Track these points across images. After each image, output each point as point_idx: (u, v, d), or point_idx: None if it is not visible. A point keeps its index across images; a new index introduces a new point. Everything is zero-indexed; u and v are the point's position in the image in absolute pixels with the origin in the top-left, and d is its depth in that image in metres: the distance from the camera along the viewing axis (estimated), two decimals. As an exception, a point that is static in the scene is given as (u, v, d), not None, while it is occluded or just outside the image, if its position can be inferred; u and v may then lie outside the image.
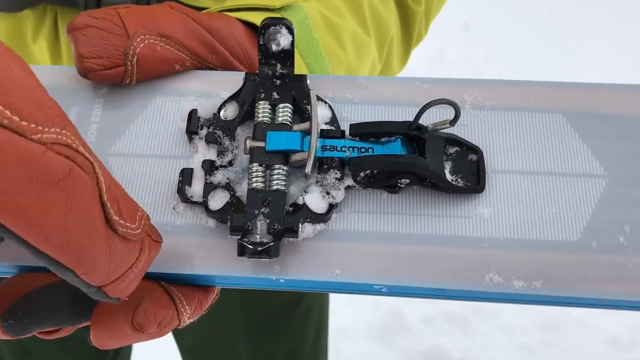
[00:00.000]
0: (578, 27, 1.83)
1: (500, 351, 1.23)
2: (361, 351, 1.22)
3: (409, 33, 0.49)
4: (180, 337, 0.71)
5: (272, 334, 0.68)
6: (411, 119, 0.31)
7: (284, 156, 0.28)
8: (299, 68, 0.37)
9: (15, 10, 0.47)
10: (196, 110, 0.30)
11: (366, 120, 0.31)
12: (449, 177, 0.29)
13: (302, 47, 0.37)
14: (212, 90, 0.32)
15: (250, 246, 0.25)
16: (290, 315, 0.67)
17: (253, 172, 0.28)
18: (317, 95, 0.30)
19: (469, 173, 0.30)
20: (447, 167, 0.29)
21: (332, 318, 0.77)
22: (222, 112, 0.30)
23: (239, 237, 0.26)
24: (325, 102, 0.30)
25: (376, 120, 0.31)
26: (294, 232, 0.27)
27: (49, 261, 0.20)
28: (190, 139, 0.30)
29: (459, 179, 0.29)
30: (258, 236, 0.26)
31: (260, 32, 0.29)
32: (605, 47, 1.77)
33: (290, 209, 0.28)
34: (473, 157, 0.30)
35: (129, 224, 0.22)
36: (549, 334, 1.25)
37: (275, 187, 0.28)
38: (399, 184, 0.28)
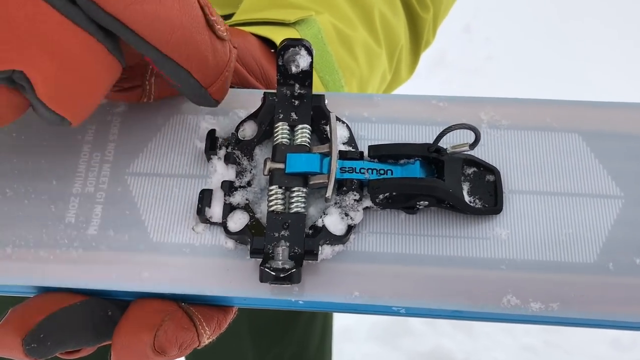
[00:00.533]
0: (580, 28, 1.83)
1: (502, 352, 1.23)
2: (363, 352, 1.23)
3: (418, 41, 0.49)
4: None
5: (278, 336, 0.68)
6: (428, 137, 0.31)
7: (304, 178, 0.28)
8: (314, 82, 0.37)
9: None
10: (215, 130, 0.30)
11: (383, 139, 0.31)
12: (466, 198, 0.29)
13: (316, 61, 0.37)
14: (230, 108, 0.32)
15: (272, 272, 0.25)
16: (296, 317, 0.68)
17: (272, 194, 0.28)
18: (336, 116, 0.30)
19: (487, 194, 0.30)
20: (465, 188, 0.29)
21: (334, 319, 0.77)
22: (240, 132, 0.30)
23: (260, 260, 0.26)
24: (343, 122, 0.30)
25: (392, 139, 0.31)
26: (313, 255, 0.27)
27: (169, 63, 0.25)
28: (209, 159, 0.30)
29: (477, 200, 0.29)
30: (280, 262, 0.26)
31: (279, 53, 0.29)
32: (607, 48, 1.77)
33: (310, 231, 0.28)
34: (490, 177, 0.30)
35: (219, 26, 0.26)
36: (551, 335, 1.25)
37: (295, 210, 0.28)
38: (418, 206, 0.29)
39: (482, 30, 1.85)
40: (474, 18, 1.83)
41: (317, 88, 0.38)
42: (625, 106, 0.32)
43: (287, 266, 0.26)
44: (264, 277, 0.26)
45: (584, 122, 0.32)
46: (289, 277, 0.25)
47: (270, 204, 0.28)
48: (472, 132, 0.28)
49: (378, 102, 0.32)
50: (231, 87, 0.33)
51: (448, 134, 0.30)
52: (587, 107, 0.32)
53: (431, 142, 0.29)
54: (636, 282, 0.28)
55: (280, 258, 0.26)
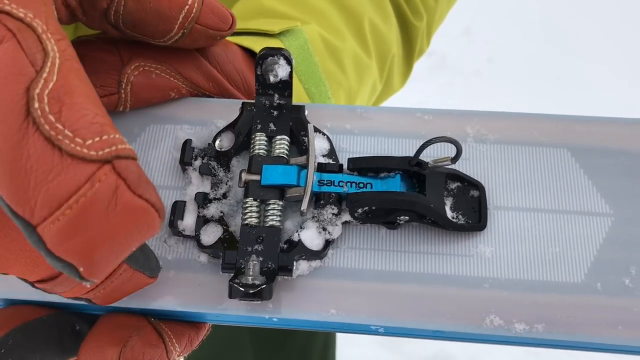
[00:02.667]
0: (579, 30, 1.82)
1: (506, 356, 1.22)
2: (367, 357, 1.22)
3: (411, 49, 0.48)
4: None
5: (280, 343, 0.67)
6: (412, 151, 0.30)
7: (280, 190, 0.27)
8: (298, 93, 0.37)
9: None
10: (190, 140, 0.29)
11: (365, 152, 0.30)
12: (449, 213, 0.28)
13: (302, 72, 0.37)
14: (208, 118, 0.31)
15: (241, 288, 0.24)
16: None
17: (247, 207, 0.27)
18: (314, 127, 0.29)
19: (471, 210, 0.29)
20: (448, 203, 0.28)
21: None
22: (217, 142, 0.29)
23: (231, 275, 0.25)
24: (324, 134, 0.30)
25: (375, 152, 0.30)
26: (288, 270, 0.26)
27: None
28: (184, 170, 0.29)
29: (460, 216, 0.28)
30: (250, 277, 0.25)
31: (257, 63, 0.29)
32: (607, 50, 1.76)
33: (285, 246, 0.27)
34: (475, 193, 0.29)
35: (70, 134, 0.17)
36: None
37: (270, 223, 0.27)
38: (398, 221, 0.28)
39: (482, 32, 1.84)
40: (474, 20, 1.83)
41: (302, 99, 0.37)
42: (615, 121, 0.31)
43: (257, 282, 0.25)
44: (233, 293, 0.25)
45: (572, 137, 0.31)
46: (259, 294, 0.24)
47: (245, 217, 0.27)
48: (454, 146, 0.27)
49: (361, 114, 0.31)
50: (210, 97, 0.32)
51: (431, 148, 0.29)
52: (576, 122, 0.31)
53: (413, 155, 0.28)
54: (625, 304, 0.27)
55: (251, 273, 0.25)
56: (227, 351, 0.67)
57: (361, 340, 1.23)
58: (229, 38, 0.34)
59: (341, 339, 1.08)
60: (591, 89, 1.63)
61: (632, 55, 1.75)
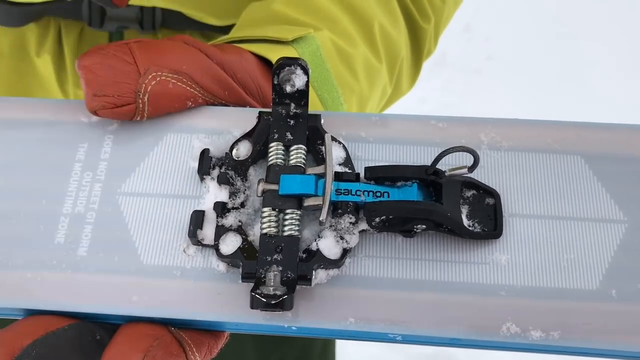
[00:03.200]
0: (579, 28, 1.82)
1: (508, 354, 1.22)
2: (368, 354, 1.22)
3: (419, 52, 0.48)
4: None
5: (281, 339, 0.67)
6: (427, 158, 0.30)
7: (298, 200, 0.28)
8: (311, 100, 0.37)
9: (18, 25, 0.46)
10: (208, 149, 0.30)
11: (380, 160, 0.30)
12: (465, 221, 0.28)
13: (315, 79, 0.37)
14: (225, 127, 0.31)
15: (263, 299, 0.25)
16: None
17: (265, 216, 0.27)
18: (331, 136, 0.29)
19: (486, 217, 0.29)
20: (464, 211, 0.29)
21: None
22: (234, 151, 0.30)
23: (252, 285, 0.26)
24: (340, 142, 0.30)
25: (390, 160, 0.30)
26: (307, 280, 0.26)
27: None
28: (202, 179, 0.29)
29: (476, 224, 0.29)
30: (272, 288, 0.25)
31: (274, 72, 0.29)
32: (608, 47, 1.76)
33: (304, 255, 0.27)
34: (490, 200, 0.29)
35: None
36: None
37: (288, 233, 0.27)
38: (415, 229, 0.28)
39: (482, 30, 1.84)
40: (474, 18, 1.83)
41: (315, 106, 0.37)
42: (628, 128, 0.31)
43: (278, 292, 0.25)
44: (254, 304, 0.25)
45: (586, 144, 0.31)
46: (281, 304, 0.24)
47: (263, 226, 0.27)
48: (471, 155, 0.27)
49: (376, 122, 0.31)
50: (226, 105, 0.32)
51: (448, 156, 0.29)
52: (589, 128, 0.31)
53: (430, 163, 0.28)
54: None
55: (272, 284, 0.25)
56: (227, 346, 0.67)
57: None
58: (242, 45, 0.35)
59: None
60: (592, 86, 1.63)
61: (634, 52, 1.75)
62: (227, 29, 0.48)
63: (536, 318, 0.27)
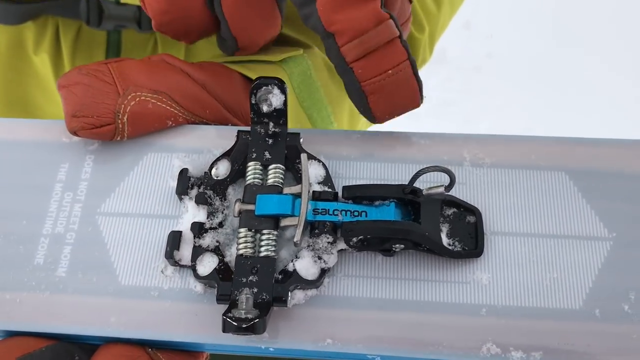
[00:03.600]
0: (580, 25, 1.81)
1: None
2: None
3: None
4: None
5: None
6: (409, 176, 0.30)
7: (275, 220, 0.28)
8: (300, 119, 0.37)
9: (16, 23, 0.47)
10: (187, 169, 0.29)
11: (361, 178, 0.30)
12: (445, 240, 0.28)
13: (304, 99, 0.37)
14: (205, 146, 0.31)
15: (234, 322, 0.24)
16: None
17: (242, 237, 0.27)
18: (310, 154, 0.29)
19: (467, 236, 0.28)
20: (444, 229, 0.28)
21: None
22: (213, 171, 0.30)
23: (226, 308, 0.26)
24: (319, 161, 0.30)
25: (372, 178, 0.30)
26: (282, 301, 0.26)
27: None
28: (181, 199, 0.29)
29: (457, 242, 0.28)
30: (243, 312, 0.25)
31: (251, 92, 0.29)
32: (609, 44, 1.75)
33: (280, 276, 0.27)
34: (471, 218, 0.29)
35: None
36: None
37: (264, 254, 0.27)
38: (394, 249, 0.28)
39: (482, 27, 1.84)
40: (474, 15, 1.82)
41: (304, 125, 0.37)
42: (613, 143, 0.31)
43: (250, 316, 0.25)
44: (226, 328, 0.25)
45: (570, 160, 0.30)
46: (252, 328, 0.24)
47: (239, 247, 0.27)
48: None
49: (357, 140, 0.31)
50: (207, 124, 0.32)
51: (428, 173, 0.29)
52: (574, 143, 0.31)
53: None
54: (624, 330, 0.27)
55: (244, 307, 0.25)
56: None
57: None
58: (232, 66, 0.35)
59: None
60: (592, 84, 1.62)
61: (635, 50, 1.74)
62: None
63: (517, 338, 0.27)
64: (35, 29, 0.47)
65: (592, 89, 1.60)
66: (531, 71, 1.70)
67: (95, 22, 0.47)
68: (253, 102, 0.29)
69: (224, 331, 0.25)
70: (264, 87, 0.28)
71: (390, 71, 0.28)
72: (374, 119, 0.29)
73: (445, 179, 0.27)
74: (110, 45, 0.48)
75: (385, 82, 0.28)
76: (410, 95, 0.28)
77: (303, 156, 0.28)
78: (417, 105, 0.29)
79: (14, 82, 0.50)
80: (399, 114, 0.29)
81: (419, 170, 0.26)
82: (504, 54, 1.77)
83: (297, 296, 0.27)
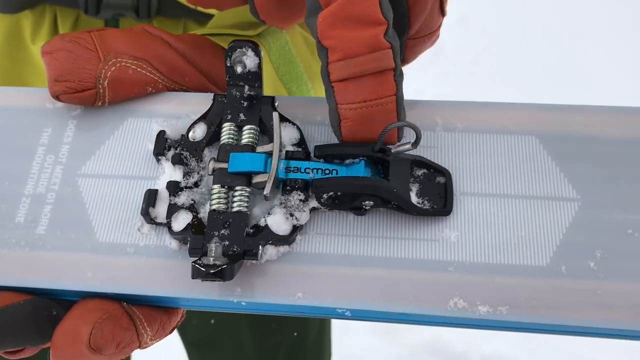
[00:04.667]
0: (576, 18, 1.82)
1: (502, 342, 1.22)
2: (363, 345, 1.23)
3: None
4: (184, 332, 0.71)
5: (276, 325, 0.68)
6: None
7: (247, 178, 0.28)
8: (280, 93, 0.37)
9: (13, 11, 0.48)
10: (164, 131, 0.30)
11: (334, 142, 0.31)
12: (415, 199, 0.29)
13: (283, 73, 0.38)
14: (183, 111, 0.32)
15: (203, 269, 0.25)
16: None
17: (215, 193, 0.28)
18: (283, 116, 0.30)
19: (437, 196, 0.29)
20: (414, 189, 0.29)
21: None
22: (190, 134, 0.30)
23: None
24: (294, 124, 0.30)
25: None
26: (253, 254, 0.27)
27: None
28: (158, 160, 0.30)
29: (426, 202, 0.29)
30: (212, 259, 0.26)
31: (226, 55, 0.30)
32: (606, 38, 1.76)
33: (251, 230, 0.28)
34: (441, 179, 0.29)
35: None
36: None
37: (236, 209, 0.28)
38: (364, 206, 0.28)
39: (478, 21, 1.85)
40: (470, 10, 1.84)
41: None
42: (583, 109, 0.31)
43: (218, 262, 0.25)
44: (194, 274, 0.25)
45: (541, 125, 0.31)
46: (220, 273, 0.25)
47: (212, 202, 0.28)
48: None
49: None
50: (187, 91, 0.33)
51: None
52: (545, 110, 0.32)
53: None
54: (589, 286, 0.27)
55: (213, 254, 0.26)
56: (224, 334, 0.68)
57: (357, 329, 1.24)
58: (210, 37, 0.35)
59: (338, 327, 1.09)
60: (588, 76, 1.63)
61: (632, 42, 1.74)
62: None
63: (484, 293, 0.27)
64: (33, 17, 0.48)
65: (589, 81, 1.61)
66: (528, 64, 1.72)
67: (93, 11, 0.48)
68: (228, 64, 0.30)
69: (193, 277, 0.25)
70: (238, 50, 0.29)
71: (370, 102, 0.26)
72: (340, 141, 0.28)
73: (413, 137, 0.28)
74: None
75: (362, 111, 0.26)
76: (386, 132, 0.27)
77: (275, 114, 0.29)
78: (394, 142, 0.28)
79: (11, 70, 0.51)
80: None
81: (386, 127, 0.27)
82: (501, 47, 1.79)
83: (270, 252, 0.28)
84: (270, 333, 0.67)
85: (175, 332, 0.73)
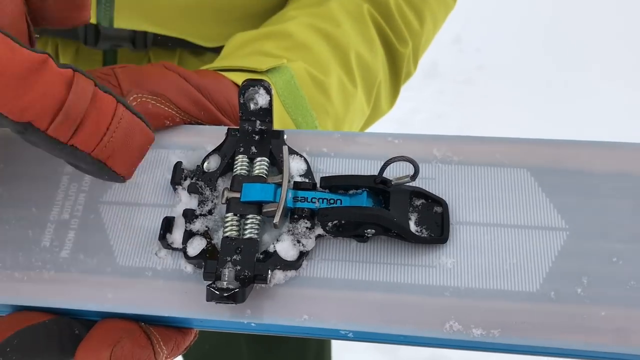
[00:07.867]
0: (569, 37, 1.85)
1: (500, 358, 1.22)
2: None
3: (397, 74, 0.51)
4: None
5: (275, 344, 0.69)
6: None
7: (258, 206, 0.30)
8: (286, 124, 0.40)
9: None
10: (181, 162, 0.33)
11: (339, 173, 0.33)
12: (414, 228, 0.31)
13: (289, 105, 0.40)
14: (199, 143, 0.34)
15: (217, 292, 0.27)
16: None
17: (228, 221, 0.30)
18: (291, 149, 0.32)
19: (434, 224, 0.31)
20: (413, 218, 0.31)
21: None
22: (205, 164, 0.33)
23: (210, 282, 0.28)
24: (301, 156, 0.33)
25: (348, 172, 0.33)
26: (263, 279, 0.29)
27: None
28: (175, 189, 0.32)
29: (424, 230, 0.31)
30: (225, 282, 0.28)
31: (240, 92, 0.32)
32: (598, 55, 1.78)
33: (262, 256, 0.30)
34: (438, 209, 0.32)
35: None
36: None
37: (248, 236, 0.30)
38: (366, 234, 0.30)
39: (472, 41, 1.88)
40: (464, 29, 1.87)
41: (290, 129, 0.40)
42: (573, 144, 0.34)
43: (231, 286, 0.27)
44: (209, 296, 0.27)
45: (533, 159, 0.33)
46: (233, 297, 0.27)
47: (226, 229, 0.30)
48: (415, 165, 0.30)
49: (337, 139, 0.34)
50: (202, 124, 0.35)
51: (401, 168, 0.32)
52: (536, 144, 0.34)
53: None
54: (576, 311, 0.29)
55: (226, 279, 0.28)
56: (224, 352, 0.69)
57: (357, 346, 1.25)
58: (222, 73, 0.38)
59: (337, 344, 1.11)
60: (582, 94, 1.65)
61: (628, 57, 1.76)
62: (217, 49, 0.51)
63: (478, 317, 0.29)
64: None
65: (583, 98, 1.64)
66: (521, 83, 1.74)
67: (92, 43, 0.50)
68: (241, 101, 0.32)
69: (208, 300, 0.27)
70: (250, 88, 0.32)
71: (111, 126, 0.25)
72: (122, 178, 0.27)
73: (412, 170, 0.30)
74: (106, 64, 0.52)
75: (114, 139, 0.26)
76: (141, 134, 0.27)
77: (284, 148, 0.31)
78: (152, 138, 0.28)
79: None
80: (141, 158, 0.28)
81: (387, 161, 0.29)
82: (495, 66, 1.81)
83: (278, 276, 0.30)
84: (269, 352, 0.69)
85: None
